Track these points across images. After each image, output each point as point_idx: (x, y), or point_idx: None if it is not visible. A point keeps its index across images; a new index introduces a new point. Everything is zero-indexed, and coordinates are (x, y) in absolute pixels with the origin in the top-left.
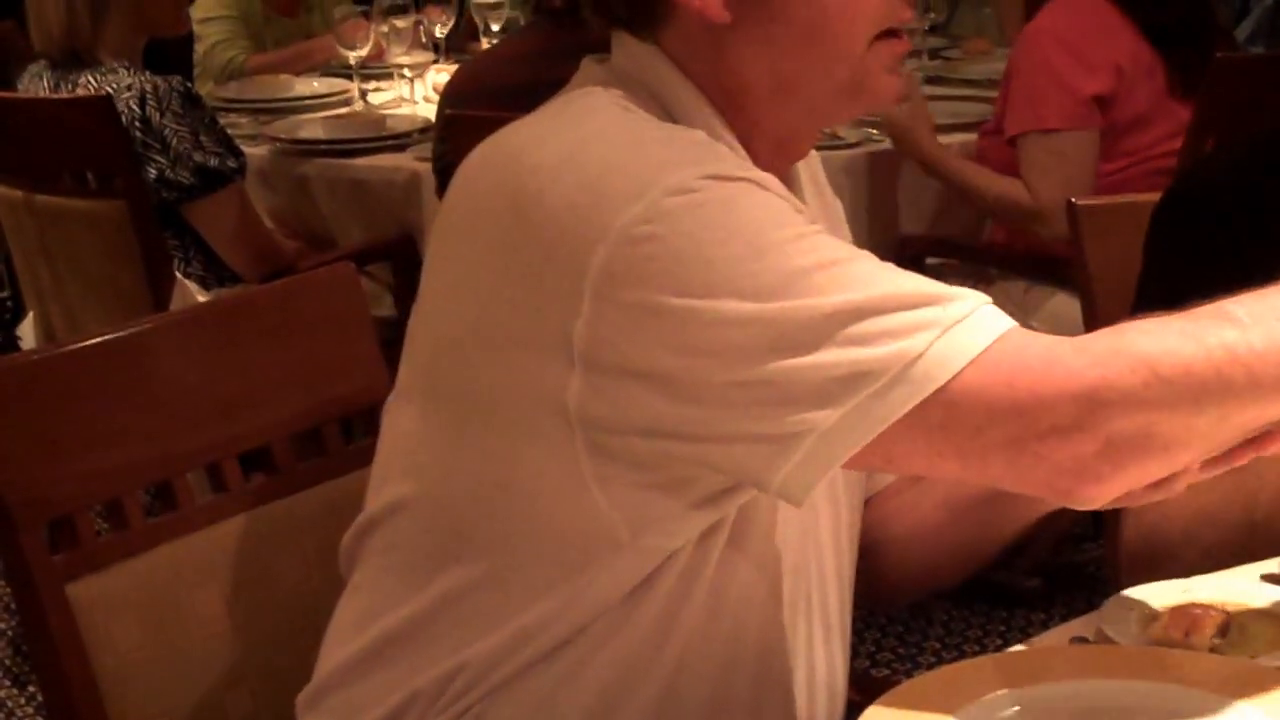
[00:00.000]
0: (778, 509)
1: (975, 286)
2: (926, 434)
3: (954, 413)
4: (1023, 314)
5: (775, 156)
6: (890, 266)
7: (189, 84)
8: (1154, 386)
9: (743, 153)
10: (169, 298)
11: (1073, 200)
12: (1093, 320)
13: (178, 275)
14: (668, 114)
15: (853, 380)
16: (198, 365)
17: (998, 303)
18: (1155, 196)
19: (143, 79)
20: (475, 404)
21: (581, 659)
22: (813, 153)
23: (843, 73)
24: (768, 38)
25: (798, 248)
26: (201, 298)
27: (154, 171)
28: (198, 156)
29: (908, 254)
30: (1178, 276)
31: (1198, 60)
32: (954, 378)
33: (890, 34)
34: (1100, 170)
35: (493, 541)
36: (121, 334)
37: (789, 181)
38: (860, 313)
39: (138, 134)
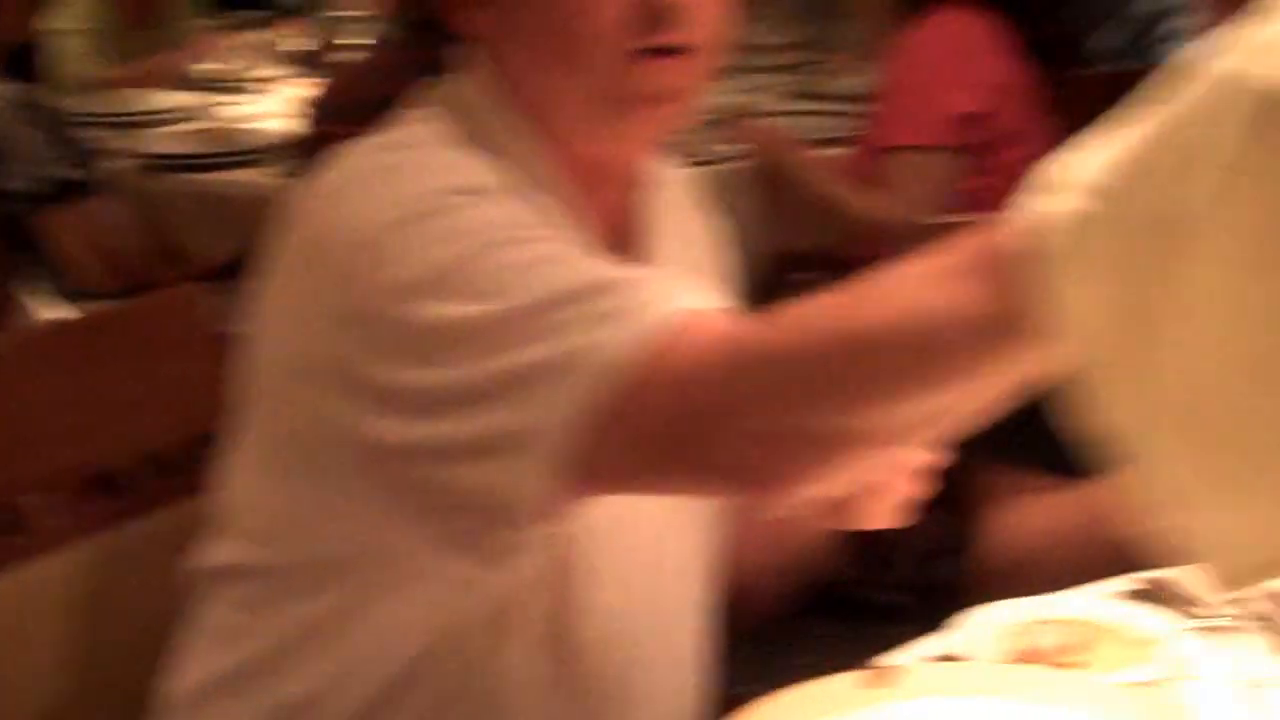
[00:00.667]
0: (599, 548)
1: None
2: (618, 438)
3: (627, 408)
4: None
5: (592, 180)
6: (578, 256)
7: (40, 94)
8: (766, 376)
9: (547, 172)
10: (8, 318)
11: (930, 218)
12: None
13: (17, 296)
14: (486, 138)
15: (537, 377)
16: (42, 386)
17: None
18: None
19: None
20: (298, 445)
21: (410, 690)
22: (677, 175)
23: (595, 91)
24: (527, 55)
25: (501, 250)
26: (46, 316)
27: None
28: (50, 167)
29: (776, 270)
30: None
31: (1067, 78)
32: (625, 368)
33: (656, 51)
34: (967, 186)
35: (328, 578)
36: None
37: (619, 210)
38: (541, 306)
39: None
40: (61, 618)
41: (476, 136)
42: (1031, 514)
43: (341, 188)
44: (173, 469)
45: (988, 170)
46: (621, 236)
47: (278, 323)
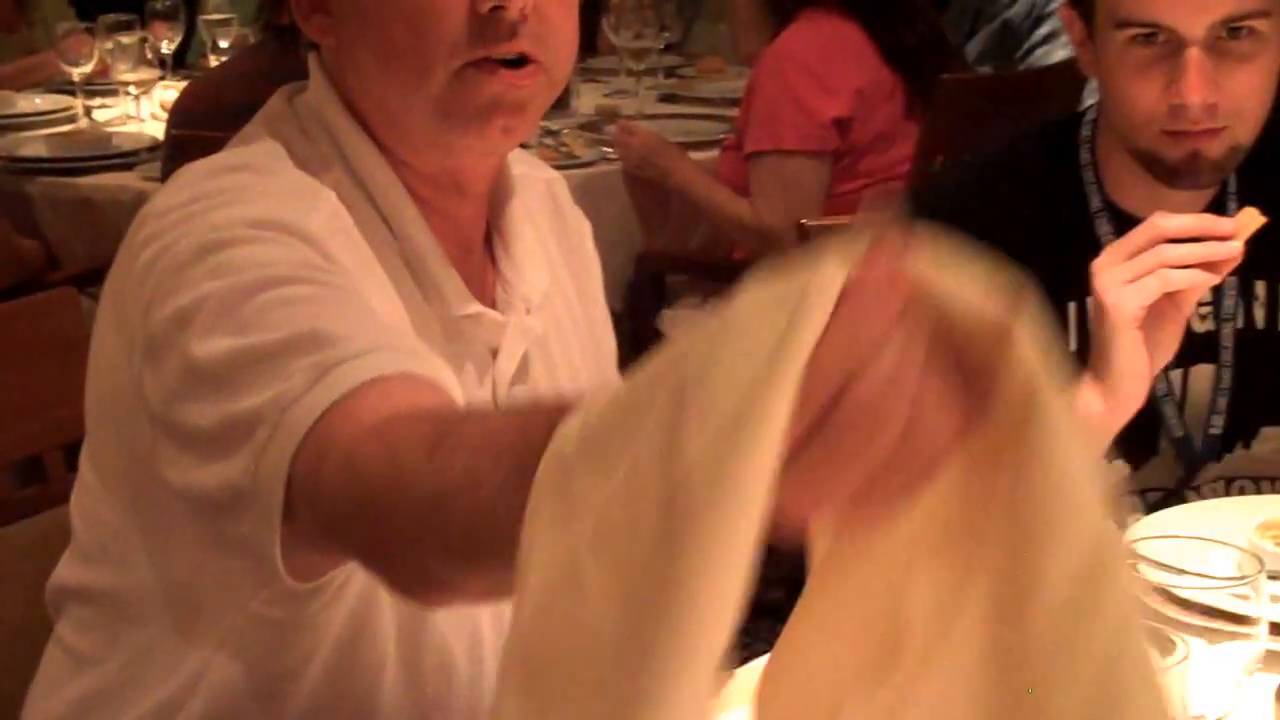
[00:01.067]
0: None
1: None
2: (306, 507)
3: (306, 474)
4: None
5: (441, 190)
6: (341, 302)
7: None
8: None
9: (392, 186)
10: None
11: (803, 221)
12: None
13: None
14: (328, 150)
15: (248, 426)
16: None
17: None
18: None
19: None
20: (125, 468)
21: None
22: (536, 180)
23: (426, 105)
24: (367, 65)
25: (267, 290)
26: None
27: None
28: None
29: (646, 271)
30: None
31: (936, 81)
32: (311, 428)
33: (493, 62)
34: (837, 190)
35: (162, 604)
36: None
37: (472, 219)
38: (272, 352)
39: None
40: None
41: (318, 149)
42: None
43: (164, 213)
44: (44, 475)
45: (859, 174)
46: (473, 245)
47: (105, 342)
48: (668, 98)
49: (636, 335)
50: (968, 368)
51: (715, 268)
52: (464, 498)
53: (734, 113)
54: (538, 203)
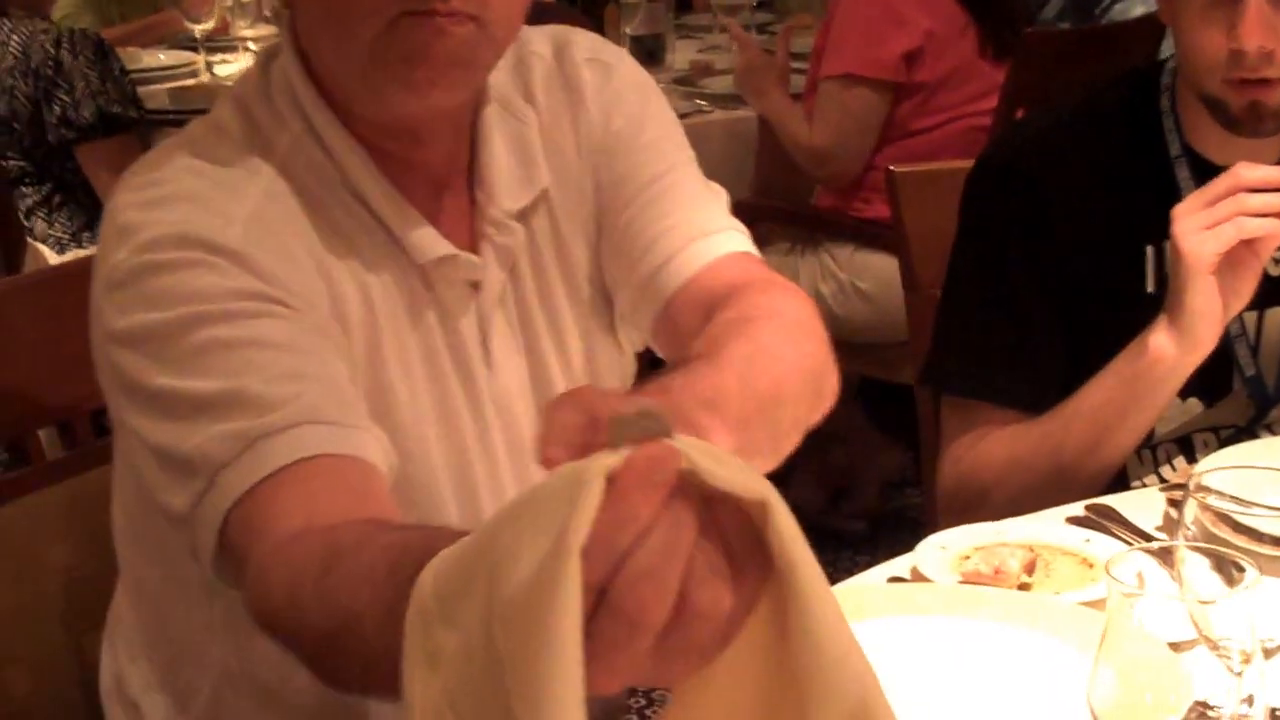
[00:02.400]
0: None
1: (804, 251)
2: (234, 573)
3: (234, 552)
4: (851, 275)
5: (393, 138)
6: (276, 342)
7: (103, 37)
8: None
9: (344, 141)
10: (21, 262)
11: (891, 168)
12: (912, 282)
13: (29, 240)
14: (286, 110)
15: (191, 468)
16: (46, 325)
17: (826, 267)
18: (968, 163)
19: (60, 26)
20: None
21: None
22: (544, 59)
23: (360, 54)
24: (305, 22)
25: (197, 330)
26: (54, 260)
27: (58, 109)
28: (100, 101)
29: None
30: (988, 239)
31: (1007, 26)
32: (239, 501)
33: (418, 14)
34: (915, 126)
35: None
36: None
37: (450, 156)
38: (207, 403)
39: (48, 72)
40: (70, 544)
41: (277, 110)
42: (989, 443)
43: (123, 209)
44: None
45: (932, 110)
46: (449, 182)
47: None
48: (768, 52)
49: None
50: (736, 540)
51: (801, 215)
52: (349, 636)
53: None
54: (542, 86)
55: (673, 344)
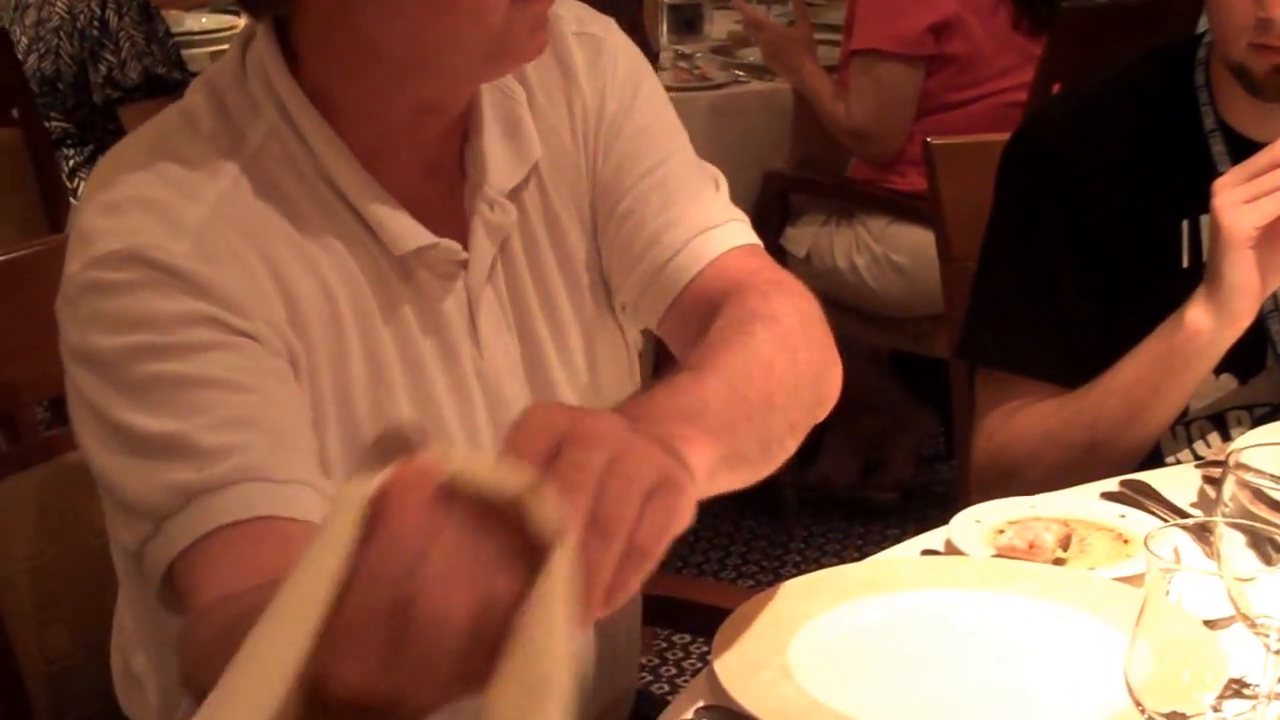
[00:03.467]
0: None
1: (838, 223)
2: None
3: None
4: (885, 248)
5: (417, 122)
6: (221, 380)
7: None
8: None
9: (320, 131)
10: (65, 222)
11: (928, 140)
12: (947, 254)
13: (72, 201)
14: (274, 99)
15: (136, 511)
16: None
17: (861, 239)
18: (1005, 136)
19: None
20: None
21: None
22: (511, 89)
23: (482, 38)
24: (399, 8)
25: (145, 361)
26: None
27: (104, 69)
28: (146, 61)
29: (771, 190)
30: (1024, 213)
31: (1043, 3)
32: (181, 553)
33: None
34: (951, 99)
35: None
36: (14, 255)
37: (430, 141)
38: (152, 445)
39: (94, 33)
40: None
41: (252, 96)
42: (1023, 416)
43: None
44: None
45: (966, 83)
46: (444, 160)
47: None
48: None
49: None
50: (505, 530)
51: (836, 187)
52: None
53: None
54: (506, 113)
55: (680, 338)
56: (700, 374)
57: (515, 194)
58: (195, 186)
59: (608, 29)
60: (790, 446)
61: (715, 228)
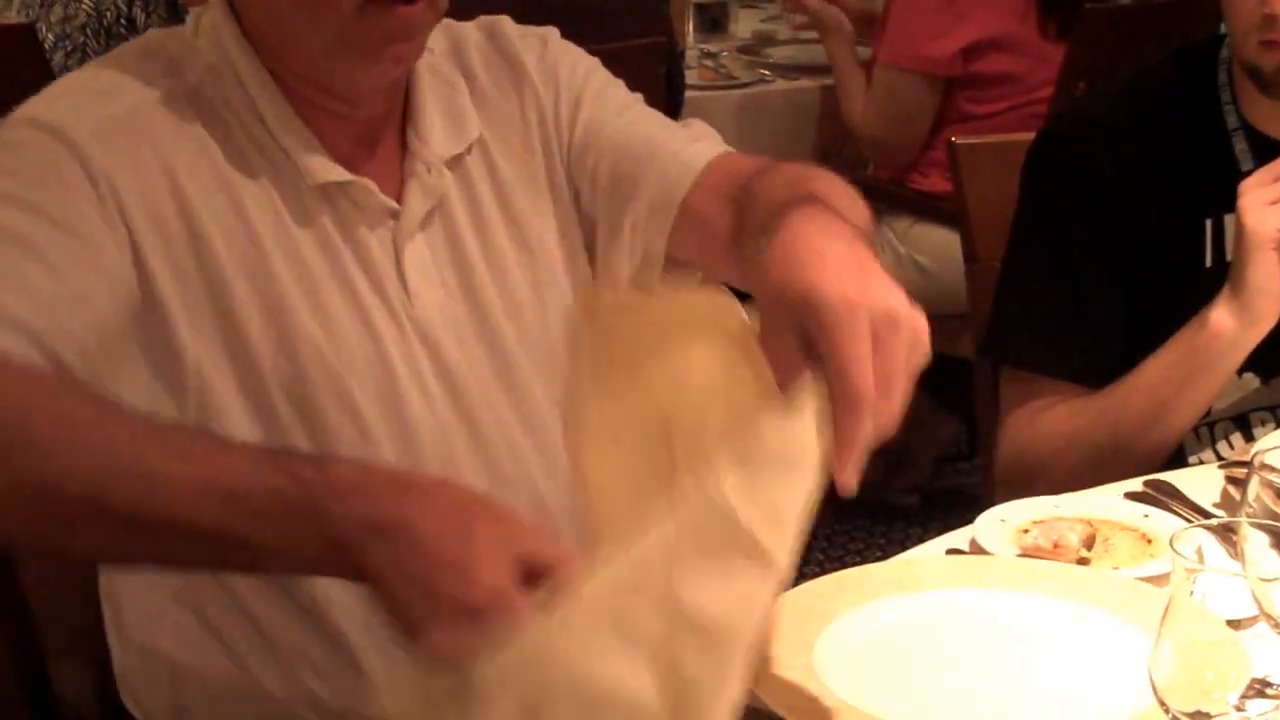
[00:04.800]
0: None
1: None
2: None
3: None
4: (908, 248)
5: (328, 99)
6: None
7: None
8: None
9: (257, 76)
10: None
11: (953, 140)
12: (972, 254)
13: None
14: (208, 64)
15: None
16: None
17: (884, 239)
18: (1030, 136)
19: None
20: None
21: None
22: (477, 33)
23: (328, 34)
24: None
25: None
26: None
27: None
28: None
29: None
30: (1049, 214)
31: (1070, 6)
32: None
33: (384, 1)
34: (974, 112)
35: None
36: None
37: (361, 121)
38: None
39: (121, 30)
40: None
41: (198, 49)
42: (1047, 416)
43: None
44: None
45: (993, 98)
46: (381, 137)
47: None
48: None
49: None
50: None
51: (859, 187)
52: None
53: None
54: (479, 58)
55: (700, 235)
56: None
57: (456, 164)
58: (122, 87)
59: (549, 30)
60: None
61: (703, 139)
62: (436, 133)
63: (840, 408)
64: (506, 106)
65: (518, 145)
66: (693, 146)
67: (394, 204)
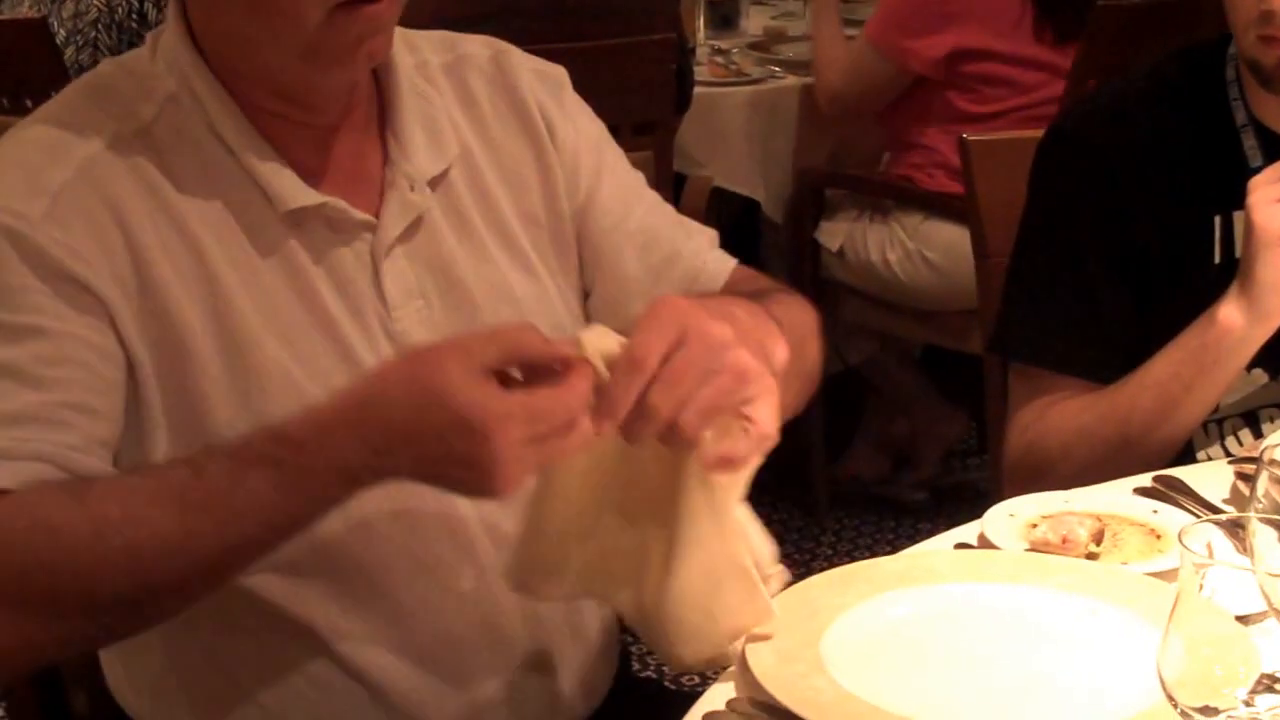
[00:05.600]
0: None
1: (872, 218)
2: None
3: None
4: (918, 244)
5: (292, 109)
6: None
7: None
8: None
9: (220, 102)
10: None
11: (964, 136)
12: (982, 249)
13: None
14: (179, 73)
15: None
16: None
17: (894, 235)
18: (1039, 133)
19: None
20: None
21: None
22: (482, 59)
23: (296, 41)
24: (219, 10)
25: None
26: None
27: None
28: None
29: (806, 186)
30: (1058, 209)
31: (1068, 9)
32: None
33: (353, 5)
34: (972, 112)
35: None
36: None
37: (361, 128)
38: None
39: (132, 25)
40: None
41: (155, 72)
42: (1056, 412)
43: None
44: None
45: (992, 97)
46: (361, 146)
47: None
48: None
49: (796, 245)
50: None
51: (870, 183)
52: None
53: None
54: (482, 80)
55: None
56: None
57: (438, 182)
58: (67, 148)
59: (561, 78)
60: (791, 408)
61: (715, 249)
62: (417, 144)
63: (617, 370)
64: (508, 139)
65: (512, 170)
66: (711, 255)
67: (370, 218)
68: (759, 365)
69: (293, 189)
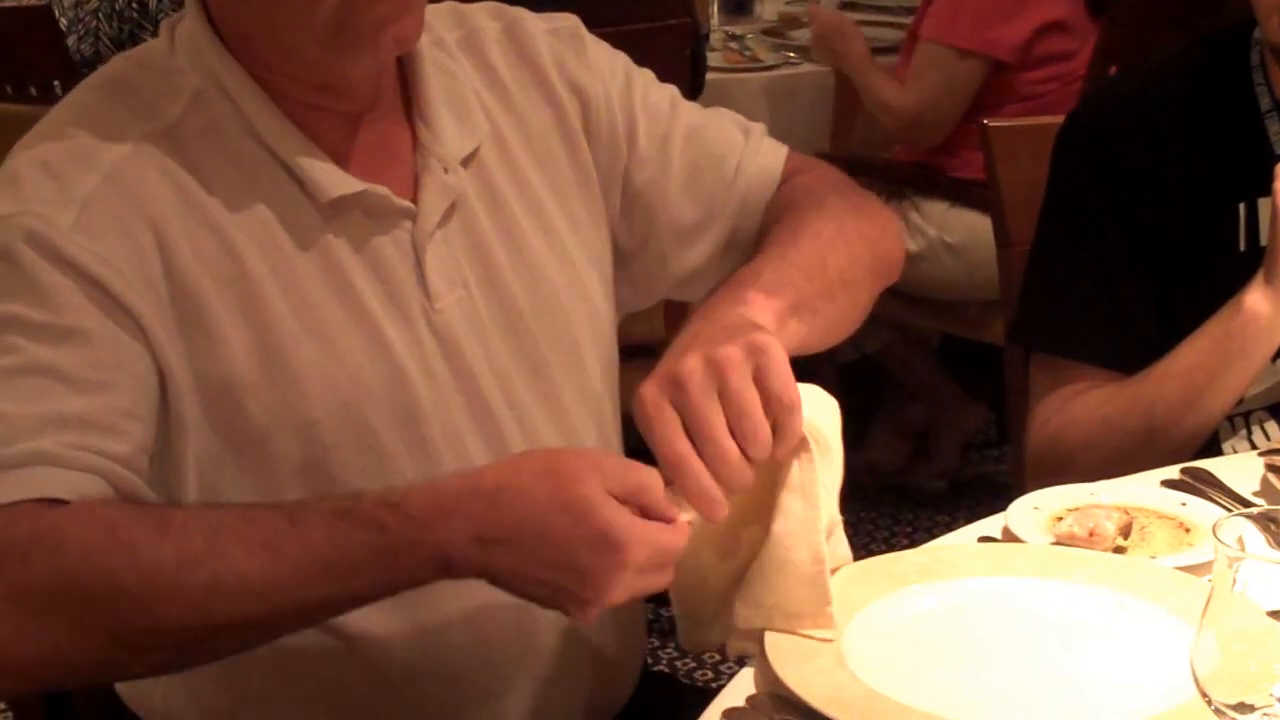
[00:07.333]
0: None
1: (897, 205)
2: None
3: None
4: (940, 232)
5: (324, 97)
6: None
7: None
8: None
9: (250, 91)
10: None
11: (985, 122)
12: (1004, 238)
13: None
14: (202, 64)
15: None
16: None
17: (912, 223)
18: (1061, 119)
19: None
20: None
21: None
22: (495, 31)
23: (315, 24)
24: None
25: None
26: None
27: None
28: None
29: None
30: (1079, 197)
31: None
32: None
33: None
34: (1024, 79)
35: None
36: None
37: (359, 117)
38: None
39: (133, 14)
40: None
41: (178, 64)
42: (1079, 402)
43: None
44: None
45: (1051, 78)
46: (389, 128)
47: None
48: (848, 5)
49: None
50: None
51: (886, 167)
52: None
53: (911, 21)
54: (498, 52)
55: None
56: (757, 254)
57: (470, 161)
58: (95, 152)
59: (577, 29)
60: (861, 303)
61: (759, 153)
62: (446, 125)
63: (678, 480)
64: (532, 111)
65: (541, 145)
66: (754, 166)
67: (410, 205)
68: (747, 363)
69: (333, 178)
